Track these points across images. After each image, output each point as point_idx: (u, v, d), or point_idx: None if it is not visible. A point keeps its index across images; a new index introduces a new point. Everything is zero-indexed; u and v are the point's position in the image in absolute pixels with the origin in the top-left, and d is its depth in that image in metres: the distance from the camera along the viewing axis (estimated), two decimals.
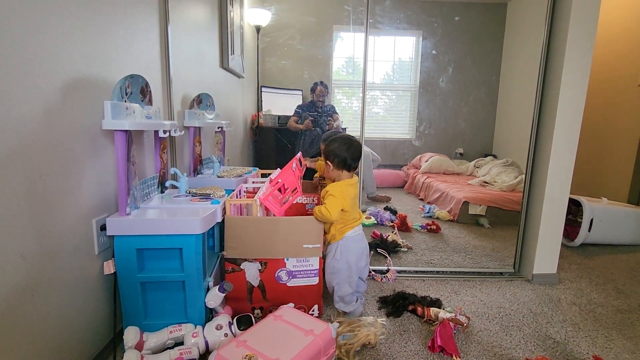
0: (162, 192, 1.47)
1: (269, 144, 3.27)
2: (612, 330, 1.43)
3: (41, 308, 0.93)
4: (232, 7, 2.46)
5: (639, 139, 2.74)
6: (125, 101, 1.14)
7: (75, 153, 1.03)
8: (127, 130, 1.09)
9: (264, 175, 1.90)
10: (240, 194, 1.53)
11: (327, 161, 1.41)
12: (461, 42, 3.70)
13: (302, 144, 3.14)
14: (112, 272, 1.13)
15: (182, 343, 1.15)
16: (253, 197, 1.40)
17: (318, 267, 1.37)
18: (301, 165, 1.77)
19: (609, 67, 3.00)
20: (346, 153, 1.37)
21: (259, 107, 3.37)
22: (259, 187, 1.61)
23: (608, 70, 3.00)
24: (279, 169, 1.70)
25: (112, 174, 1.20)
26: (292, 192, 1.42)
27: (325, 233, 1.42)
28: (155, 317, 1.22)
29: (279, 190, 1.45)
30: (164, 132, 1.30)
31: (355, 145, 1.40)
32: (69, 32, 0.99)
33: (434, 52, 3.70)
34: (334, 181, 1.43)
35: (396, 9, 3.53)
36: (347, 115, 3.85)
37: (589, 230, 2.29)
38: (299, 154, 1.80)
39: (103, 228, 1.14)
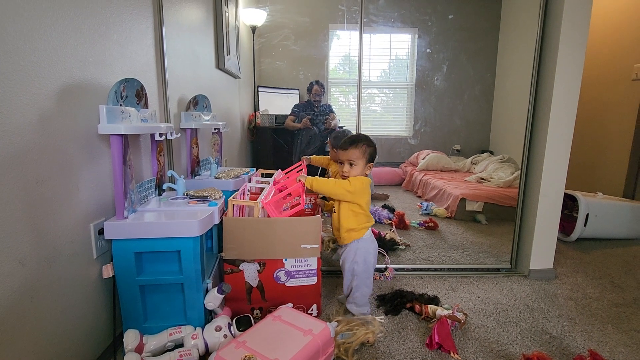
0: (159, 194, 1.47)
1: (267, 144, 3.28)
2: (607, 324, 1.45)
3: (40, 313, 0.93)
4: (227, 7, 2.45)
5: (633, 133, 2.76)
6: (120, 105, 1.14)
7: (72, 158, 1.03)
8: (123, 134, 1.09)
9: (264, 175, 1.90)
10: (244, 194, 1.53)
11: (370, 164, 1.39)
12: (456, 39, 3.71)
13: (300, 144, 3.14)
14: (111, 275, 1.14)
15: (181, 345, 1.16)
16: (256, 199, 1.41)
17: (316, 267, 1.38)
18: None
19: (602, 62, 3.01)
20: (376, 155, 1.41)
21: (256, 107, 3.37)
22: (263, 188, 1.62)
23: (602, 65, 3.02)
24: (280, 169, 1.71)
25: (108, 178, 1.21)
26: (294, 199, 1.42)
27: (336, 229, 1.41)
28: (154, 319, 1.23)
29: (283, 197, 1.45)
30: (160, 135, 1.30)
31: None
32: (63, 37, 0.99)
33: (428, 50, 3.70)
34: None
35: (390, 8, 3.54)
36: (345, 113, 3.85)
37: (585, 225, 2.31)
38: (304, 163, 1.83)
39: (101, 232, 1.14)
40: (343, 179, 1.38)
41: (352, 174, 1.38)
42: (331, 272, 1.86)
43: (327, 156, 2.00)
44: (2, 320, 0.82)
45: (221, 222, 1.33)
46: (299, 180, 1.37)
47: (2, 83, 0.81)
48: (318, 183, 1.35)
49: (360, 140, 1.39)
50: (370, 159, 1.39)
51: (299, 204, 1.36)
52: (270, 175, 1.83)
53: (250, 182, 1.66)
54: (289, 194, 1.43)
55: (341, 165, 1.40)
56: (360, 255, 1.38)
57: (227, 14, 2.44)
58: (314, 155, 1.98)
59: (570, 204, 2.46)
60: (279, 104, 3.48)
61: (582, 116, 1.72)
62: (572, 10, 1.62)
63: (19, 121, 0.85)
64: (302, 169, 1.71)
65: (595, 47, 2.99)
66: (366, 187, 1.36)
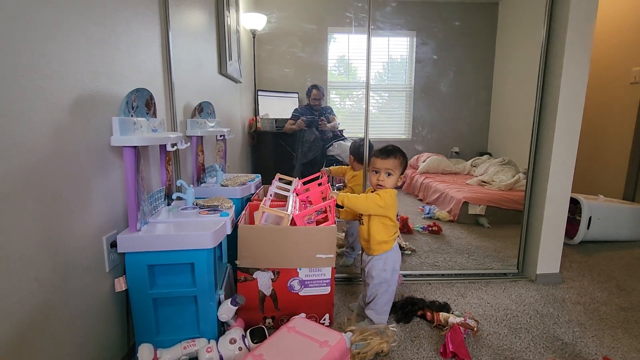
0: (168, 204, 1.45)
1: (268, 148, 3.26)
2: (617, 329, 1.46)
3: (55, 330, 0.91)
4: (229, 12, 2.44)
5: (633, 136, 2.80)
6: (132, 116, 1.13)
7: (85, 171, 1.01)
8: (135, 146, 1.08)
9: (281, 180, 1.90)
10: (267, 199, 1.53)
11: (402, 175, 1.40)
12: (455, 42, 3.73)
13: (301, 148, 3.14)
14: (124, 289, 1.12)
15: (196, 358, 1.15)
16: (274, 205, 1.40)
17: (330, 277, 1.37)
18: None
19: (602, 66, 3.05)
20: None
21: (257, 111, 3.35)
22: (281, 193, 1.63)
23: (601, 69, 3.05)
24: (297, 178, 1.71)
25: (120, 190, 1.19)
26: (318, 214, 1.44)
27: (365, 240, 1.42)
28: (167, 332, 1.21)
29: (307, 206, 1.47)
30: (172, 145, 1.28)
31: None
32: (75, 49, 0.97)
33: (435, 57, 3.73)
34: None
35: (393, 15, 3.56)
36: (342, 115, 3.85)
37: (588, 228, 2.33)
38: (325, 176, 1.84)
39: (113, 245, 1.12)
40: (378, 187, 1.39)
41: (388, 184, 1.38)
42: (340, 279, 1.85)
43: (343, 166, 2.04)
44: (19, 340, 0.80)
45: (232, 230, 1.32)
46: (332, 197, 1.38)
47: (20, 98, 0.79)
48: (349, 200, 1.36)
49: (397, 150, 1.41)
50: (404, 169, 1.41)
51: (327, 219, 1.37)
52: (284, 180, 1.83)
53: (274, 185, 1.67)
54: (314, 208, 1.45)
55: (376, 174, 1.39)
56: (389, 264, 1.39)
57: (228, 19, 2.43)
58: (332, 167, 2.02)
59: (572, 207, 2.48)
60: (279, 107, 3.47)
61: (582, 119, 1.74)
62: (577, 15, 1.64)
63: (35, 136, 0.84)
64: (322, 182, 1.72)
65: (595, 51, 3.02)
66: (395, 200, 1.38)
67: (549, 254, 1.85)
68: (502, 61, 3.70)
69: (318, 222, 1.47)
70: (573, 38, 1.66)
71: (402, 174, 1.40)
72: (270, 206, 1.44)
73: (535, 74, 1.79)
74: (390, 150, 1.38)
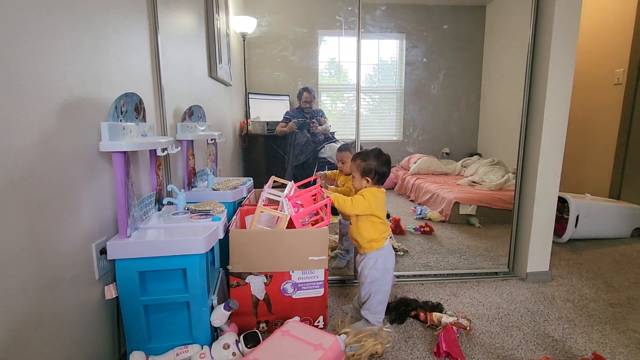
0: (159, 209, 1.44)
1: (259, 151, 3.25)
2: (605, 325, 1.49)
3: (44, 341, 0.89)
4: (218, 15, 2.43)
5: (617, 135, 2.86)
6: (121, 120, 1.11)
7: (73, 177, 1.00)
8: (125, 151, 1.07)
9: (275, 182, 1.89)
10: (261, 202, 1.53)
11: (366, 177, 1.40)
12: (444, 45, 3.78)
13: (293, 150, 3.14)
14: (114, 296, 1.10)
15: None
16: (273, 207, 1.41)
17: (323, 279, 1.37)
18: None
19: (587, 68, 3.12)
20: (385, 168, 1.42)
21: (248, 114, 3.34)
22: (276, 196, 1.64)
23: (586, 71, 3.12)
24: (292, 181, 1.71)
25: (109, 196, 1.17)
26: (312, 216, 1.44)
27: (355, 240, 1.43)
28: (159, 339, 1.19)
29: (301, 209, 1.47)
30: (163, 150, 1.27)
31: (389, 160, 1.44)
32: (63, 54, 0.96)
33: (425, 60, 3.76)
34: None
35: (382, 19, 3.59)
36: (333, 117, 3.86)
37: (576, 226, 2.37)
38: (319, 180, 1.85)
39: (103, 251, 1.10)
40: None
41: (354, 185, 1.44)
42: (333, 281, 1.86)
43: (335, 171, 2.05)
44: (7, 352, 0.78)
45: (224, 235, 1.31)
46: (327, 197, 1.40)
47: (5, 104, 0.78)
48: (338, 203, 1.38)
49: (359, 154, 1.43)
50: (365, 172, 1.40)
51: (322, 219, 1.37)
52: (279, 183, 1.83)
53: (265, 191, 1.67)
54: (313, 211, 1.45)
55: None
56: (380, 263, 1.39)
57: (218, 22, 2.42)
58: (327, 171, 2.03)
59: (560, 206, 2.52)
60: (270, 110, 3.46)
61: (569, 119, 1.78)
62: (562, 18, 1.67)
63: (22, 143, 0.82)
64: (315, 188, 1.72)
65: (580, 53, 3.08)
66: (380, 198, 1.39)
67: (538, 253, 1.88)
68: (490, 63, 3.75)
69: (313, 224, 1.47)
70: (558, 40, 1.69)
71: (367, 175, 1.39)
72: None
73: (523, 75, 1.83)
74: (354, 155, 1.45)
